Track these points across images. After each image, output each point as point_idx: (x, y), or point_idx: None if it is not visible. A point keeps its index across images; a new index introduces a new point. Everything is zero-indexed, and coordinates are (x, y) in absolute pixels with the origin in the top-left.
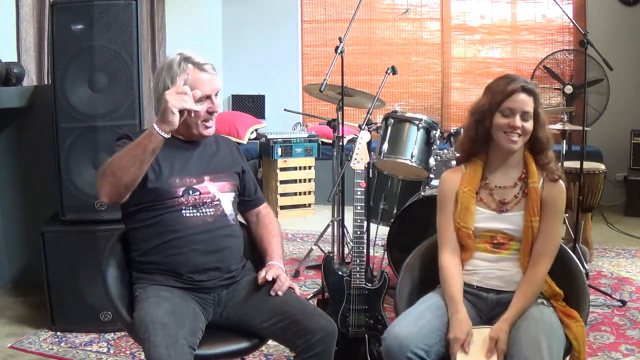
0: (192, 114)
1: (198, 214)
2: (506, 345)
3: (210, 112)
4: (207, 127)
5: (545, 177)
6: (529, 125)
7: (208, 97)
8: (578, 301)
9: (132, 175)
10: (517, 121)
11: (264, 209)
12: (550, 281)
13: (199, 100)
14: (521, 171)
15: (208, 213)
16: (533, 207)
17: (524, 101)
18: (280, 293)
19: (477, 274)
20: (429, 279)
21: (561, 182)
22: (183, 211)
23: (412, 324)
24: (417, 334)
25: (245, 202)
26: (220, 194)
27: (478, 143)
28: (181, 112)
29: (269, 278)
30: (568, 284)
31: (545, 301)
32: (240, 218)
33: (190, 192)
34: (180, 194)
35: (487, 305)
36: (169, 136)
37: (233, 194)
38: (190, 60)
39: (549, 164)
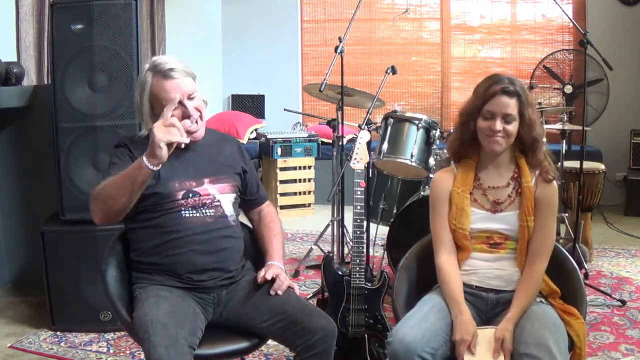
0: (183, 146)
1: (198, 215)
2: (512, 345)
3: (187, 117)
4: (190, 133)
5: (538, 176)
6: (512, 127)
7: (180, 102)
8: (575, 299)
9: (123, 204)
10: (498, 125)
11: (267, 207)
12: (547, 279)
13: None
14: (513, 171)
15: (208, 214)
16: (528, 207)
17: (505, 104)
18: (280, 293)
19: (476, 274)
20: (426, 279)
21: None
22: (183, 212)
23: (416, 327)
24: (423, 337)
25: (247, 201)
26: (221, 196)
27: (465, 145)
28: (170, 144)
29: (269, 278)
30: (564, 282)
31: (543, 300)
32: (242, 218)
33: (191, 195)
34: (181, 197)
35: (487, 305)
36: (159, 168)
37: (234, 194)
38: (154, 70)
39: (541, 164)
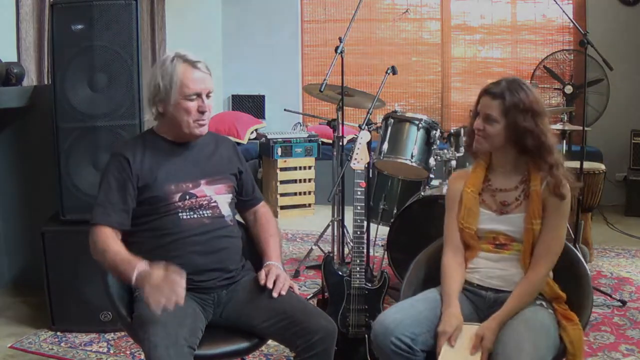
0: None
1: (195, 216)
2: (492, 344)
3: (201, 112)
4: (200, 126)
5: (548, 183)
6: (492, 128)
7: (199, 95)
8: (581, 304)
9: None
10: (477, 123)
11: (262, 207)
12: (552, 283)
13: (189, 99)
14: (523, 174)
15: (205, 215)
16: (534, 210)
17: (487, 104)
18: (283, 292)
19: (478, 272)
20: (436, 279)
21: (567, 187)
22: (180, 214)
23: (400, 311)
24: (403, 321)
25: (242, 202)
26: (217, 196)
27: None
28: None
29: (271, 282)
30: (573, 286)
31: (544, 303)
32: (239, 218)
33: (187, 197)
34: (177, 199)
35: (485, 303)
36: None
37: (230, 195)
38: (183, 58)
39: (552, 174)
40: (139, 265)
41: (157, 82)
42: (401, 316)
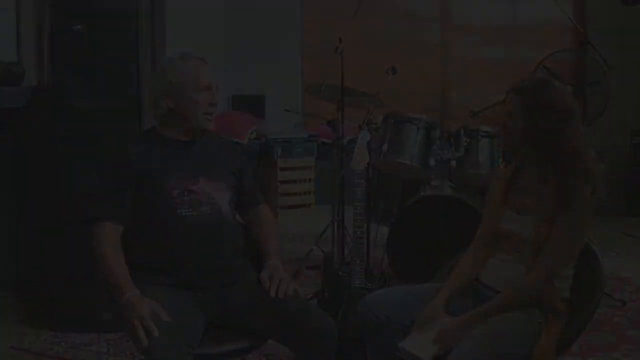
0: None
1: (194, 213)
2: (452, 339)
3: (211, 104)
4: (207, 120)
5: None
6: (511, 124)
7: (209, 87)
8: (586, 308)
9: None
10: (502, 118)
11: (262, 208)
12: (553, 294)
13: (201, 91)
14: (543, 175)
15: (204, 212)
16: (543, 213)
17: (510, 100)
18: (290, 293)
19: (487, 271)
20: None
21: (580, 197)
22: (178, 210)
23: (382, 293)
24: (382, 300)
25: (243, 202)
26: (217, 194)
27: None
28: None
29: (274, 287)
30: (586, 297)
31: (538, 312)
32: (239, 218)
33: (186, 193)
34: (175, 195)
35: (482, 301)
36: None
37: (230, 193)
38: (190, 56)
39: (568, 179)
40: (128, 294)
41: (169, 79)
42: (383, 296)
